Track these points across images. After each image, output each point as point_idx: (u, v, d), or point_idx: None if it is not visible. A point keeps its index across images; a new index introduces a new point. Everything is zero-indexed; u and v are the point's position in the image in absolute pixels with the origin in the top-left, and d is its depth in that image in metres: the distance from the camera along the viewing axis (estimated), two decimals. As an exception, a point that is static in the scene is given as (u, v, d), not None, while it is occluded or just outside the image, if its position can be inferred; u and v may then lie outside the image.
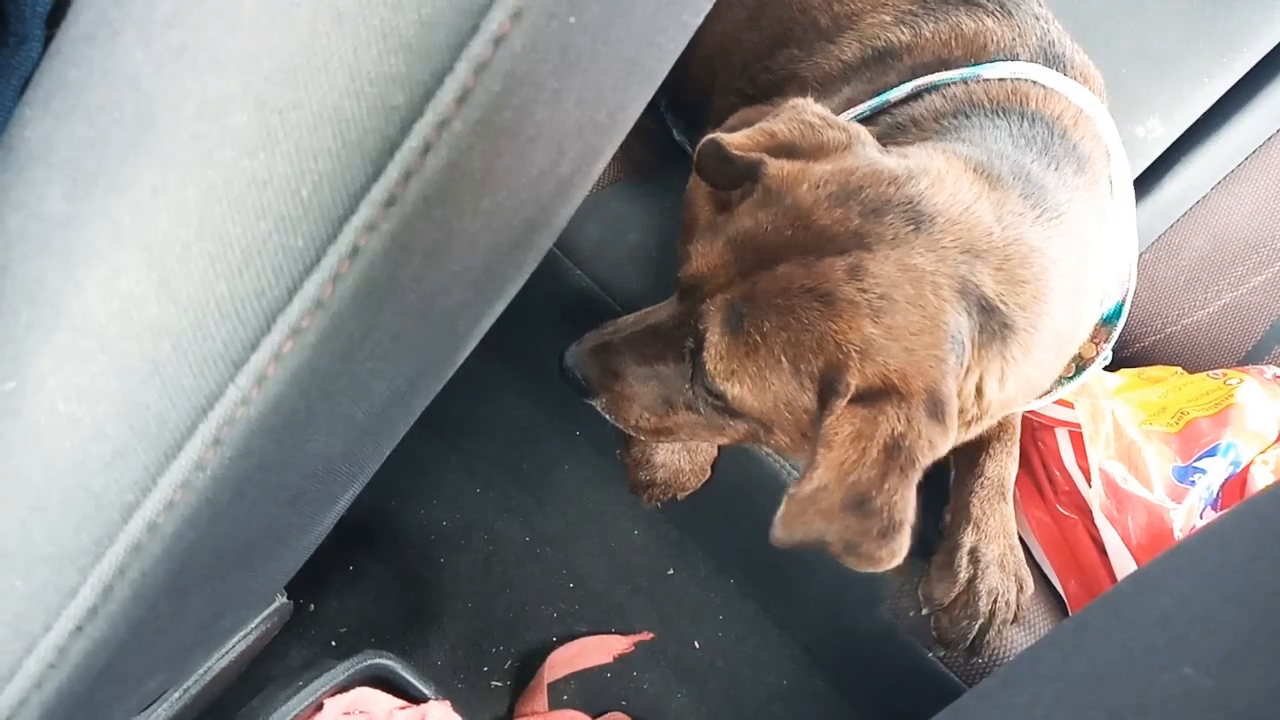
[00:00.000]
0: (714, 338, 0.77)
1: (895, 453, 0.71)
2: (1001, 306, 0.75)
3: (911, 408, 0.71)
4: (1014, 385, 0.79)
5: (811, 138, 0.81)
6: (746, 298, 0.76)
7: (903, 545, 0.73)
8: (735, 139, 0.82)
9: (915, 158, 0.79)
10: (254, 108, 0.35)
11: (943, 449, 0.73)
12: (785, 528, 0.73)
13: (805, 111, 0.84)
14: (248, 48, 0.35)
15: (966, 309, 0.74)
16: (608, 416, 0.92)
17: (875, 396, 0.71)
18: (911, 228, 0.73)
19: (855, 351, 0.72)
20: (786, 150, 0.81)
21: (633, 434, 0.93)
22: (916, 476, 0.72)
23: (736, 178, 0.81)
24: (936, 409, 0.72)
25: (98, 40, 0.37)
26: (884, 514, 0.71)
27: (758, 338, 0.75)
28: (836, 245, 0.73)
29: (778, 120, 0.84)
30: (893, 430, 0.70)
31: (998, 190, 0.78)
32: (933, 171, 0.77)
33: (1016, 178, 0.80)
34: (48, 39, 0.46)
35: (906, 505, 0.71)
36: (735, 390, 0.77)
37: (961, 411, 0.78)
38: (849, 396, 0.71)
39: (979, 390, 0.78)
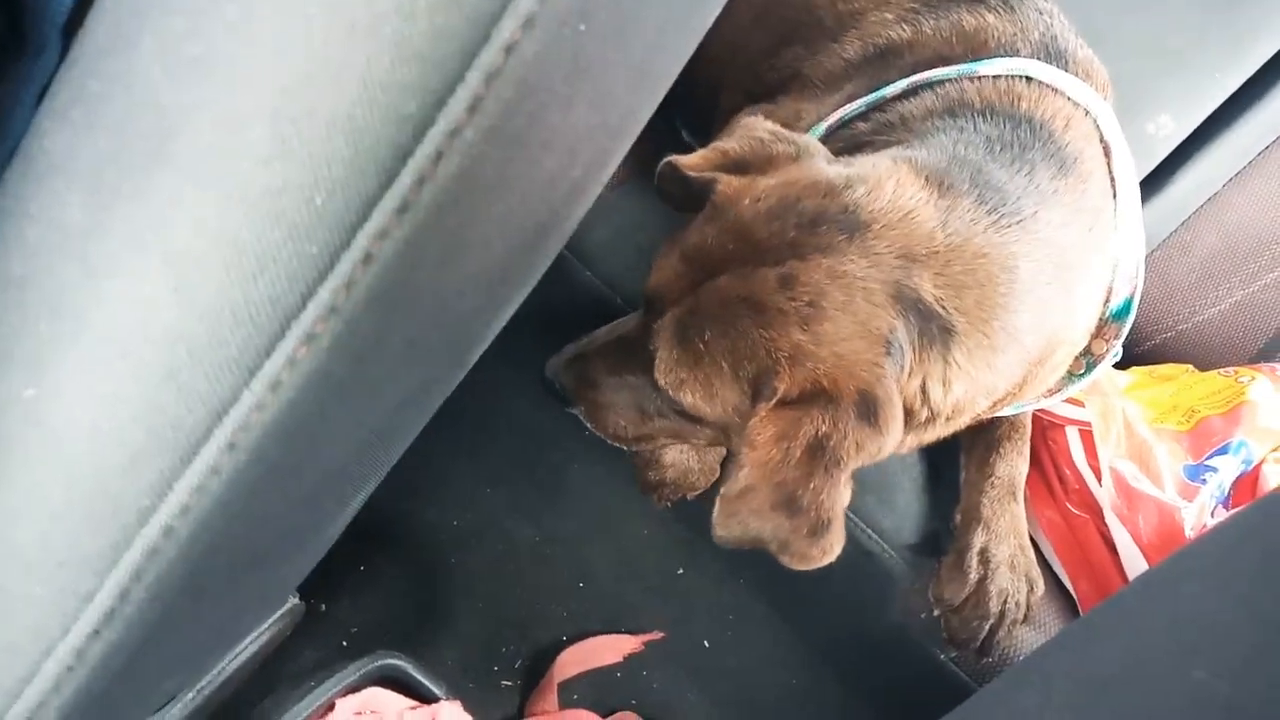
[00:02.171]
0: (663, 352, 0.79)
1: (819, 453, 0.71)
2: (941, 311, 0.75)
3: (839, 410, 0.72)
4: (962, 388, 0.78)
5: (761, 152, 0.83)
6: (692, 310, 0.78)
7: (834, 543, 0.73)
8: (690, 160, 0.84)
9: (859, 166, 0.80)
10: (269, 118, 0.35)
11: (876, 450, 0.74)
12: (722, 526, 0.75)
13: (756, 128, 0.86)
14: (262, 59, 0.35)
15: (902, 313, 0.74)
16: (589, 425, 0.94)
17: (805, 400, 0.72)
18: (845, 236, 0.74)
19: (785, 358, 0.73)
20: (739, 166, 0.82)
21: (614, 443, 0.94)
22: (843, 476, 0.72)
23: (697, 198, 0.82)
24: (868, 411, 0.72)
25: (116, 52, 0.37)
26: (812, 512, 0.72)
27: (701, 346, 0.77)
28: (773, 256, 0.75)
29: (730, 139, 0.86)
30: (817, 431, 0.71)
31: (947, 196, 0.78)
32: (872, 179, 0.77)
33: (974, 184, 0.79)
34: (64, 49, 0.46)
35: (834, 503, 0.72)
36: (688, 399, 0.79)
37: (912, 414, 0.79)
38: (775, 400, 0.73)
39: (924, 393, 0.78)
